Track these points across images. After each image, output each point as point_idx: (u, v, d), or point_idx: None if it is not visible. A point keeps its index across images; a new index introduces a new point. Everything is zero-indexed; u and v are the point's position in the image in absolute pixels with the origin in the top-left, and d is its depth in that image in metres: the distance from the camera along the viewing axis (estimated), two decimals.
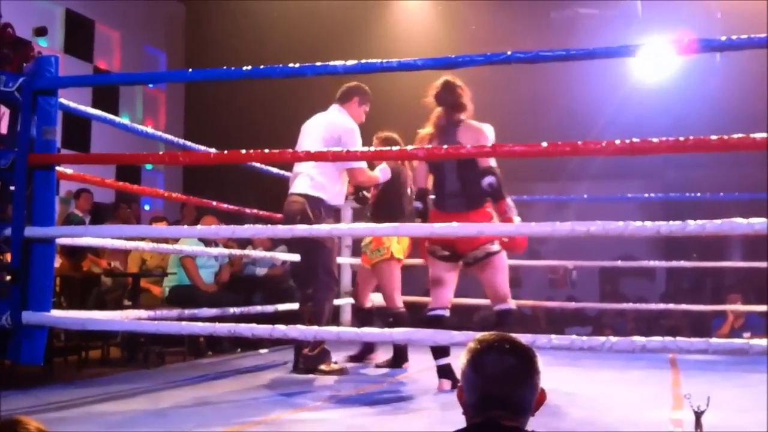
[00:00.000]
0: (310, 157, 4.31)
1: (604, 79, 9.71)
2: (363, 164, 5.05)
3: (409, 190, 5.25)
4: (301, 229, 4.11)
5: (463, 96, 4.34)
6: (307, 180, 4.98)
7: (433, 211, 4.36)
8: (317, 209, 4.94)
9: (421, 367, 5.17)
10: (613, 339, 3.19)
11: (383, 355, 5.52)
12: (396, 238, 5.22)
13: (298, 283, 5.29)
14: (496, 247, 4.27)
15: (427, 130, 4.38)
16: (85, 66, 10.00)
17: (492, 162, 4.21)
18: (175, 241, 6.29)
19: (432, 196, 4.41)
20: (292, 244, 5.25)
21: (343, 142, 4.91)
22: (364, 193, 5.44)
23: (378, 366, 5.38)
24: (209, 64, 4.70)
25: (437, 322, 4.16)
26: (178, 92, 12.01)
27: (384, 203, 5.31)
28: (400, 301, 5.37)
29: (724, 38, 3.40)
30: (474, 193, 4.24)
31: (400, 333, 3.53)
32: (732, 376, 4.97)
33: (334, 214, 5.41)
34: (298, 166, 5.06)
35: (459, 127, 4.28)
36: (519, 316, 4.80)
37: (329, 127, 5.05)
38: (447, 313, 4.34)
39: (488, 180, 4.17)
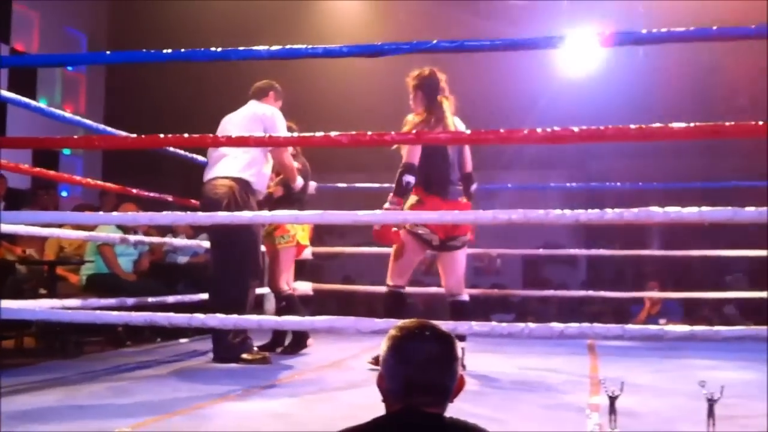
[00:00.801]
0: (231, 142, 4.23)
1: (534, 72, 9.85)
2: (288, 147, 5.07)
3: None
4: (222, 216, 4.04)
5: None
6: (232, 161, 4.90)
7: (430, 196, 4.45)
8: (245, 193, 4.87)
9: (339, 356, 5.19)
10: (532, 325, 3.22)
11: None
12: (298, 225, 5.38)
13: (219, 269, 5.08)
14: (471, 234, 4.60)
15: (421, 117, 4.46)
16: (1, 47, 9.64)
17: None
18: (93, 228, 6.13)
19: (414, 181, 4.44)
20: (215, 230, 5.05)
21: (268, 127, 4.87)
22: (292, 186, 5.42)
23: (280, 352, 5.38)
24: (133, 47, 4.57)
25: (404, 300, 4.54)
26: (98, 76, 11.69)
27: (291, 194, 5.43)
28: (285, 285, 5.44)
29: (644, 31, 3.47)
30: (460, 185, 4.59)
31: (322, 321, 3.50)
32: (649, 361, 5.11)
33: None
34: (218, 151, 4.97)
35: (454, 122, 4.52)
36: (444, 303, 4.86)
37: (253, 116, 5.01)
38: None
39: (475, 186, 4.69)
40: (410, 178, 4.36)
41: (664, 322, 6.83)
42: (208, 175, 5.01)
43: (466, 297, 4.63)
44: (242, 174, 4.90)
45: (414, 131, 4.34)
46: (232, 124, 5.04)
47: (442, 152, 4.50)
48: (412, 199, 4.50)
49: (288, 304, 5.35)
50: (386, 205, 4.34)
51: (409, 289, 4.84)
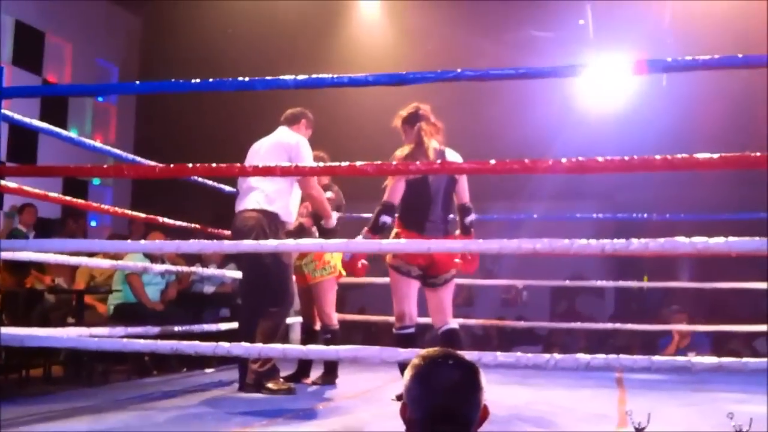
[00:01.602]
0: (258, 171, 4.25)
1: (558, 103, 9.85)
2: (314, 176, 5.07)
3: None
4: (247, 244, 4.06)
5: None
6: (260, 195, 4.93)
7: (407, 232, 4.40)
8: (273, 225, 4.89)
9: (363, 386, 5.17)
10: (557, 356, 3.19)
11: (314, 374, 5.53)
12: (338, 255, 5.31)
13: (250, 300, 5.10)
14: (455, 270, 4.50)
15: (406, 150, 4.42)
16: (34, 78, 9.83)
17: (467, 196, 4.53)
18: (121, 257, 6.18)
19: (396, 216, 4.43)
20: (246, 260, 5.08)
21: (293, 156, 4.89)
22: (323, 223, 5.40)
23: (313, 383, 5.39)
24: (163, 78, 4.64)
25: (412, 341, 4.35)
26: (129, 106, 11.86)
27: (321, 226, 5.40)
28: (335, 318, 5.46)
29: (670, 59, 3.47)
30: (447, 221, 4.52)
31: (347, 350, 3.49)
32: (678, 394, 5.03)
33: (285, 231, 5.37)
34: (248, 182, 5.01)
35: (444, 154, 4.45)
36: (470, 334, 4.83)
37: (279, 143, 5.05)
38: (415, 330, 4.52)
39: (471, 218, 4.54)
40: (386, 219, 4.33)
41: (692, 356, 6.73)
42: (238, 207, 5.05)
43: (454, 324, 4.52)
44: (269, 206, 4.92)
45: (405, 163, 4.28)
46: (258, 153, 5.06)
47: (420, 188, 4.41)
48: (393, 232, 4.47)
49: (333, 338, 5.33)
50: (359, 237, 4.33)
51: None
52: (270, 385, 4.78)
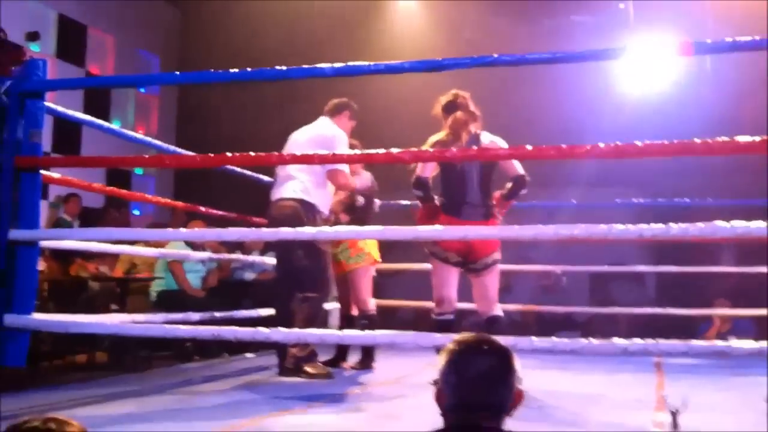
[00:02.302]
0: (295, 159, 4.29)
1: (597, 88, 9.73)
2: (345, 167, 5.07)
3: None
4: (285, 232, 4.11)
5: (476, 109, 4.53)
6: (298, 184, 4.97)
7: (445, 216, 4.41)
8: (311, 214, 4.93)
9: (400, 371, 5.21)
10: (594, 341, 3.19)
11: (352, 359, 5.60)
12: (372, 242, 5.38)
13: (286, 286, 5.13)
14: (499, 254, 4.49)
15: (441, 136, 4.44)
16: (77, 71, 10.00)
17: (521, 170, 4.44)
18: (163, 245, 6.28)
19: (437, 201, 4.48)
20: (283, 247, 5.11)
21: (330, 148, 4.91)
22: (358, 200, 5.45)
23: (351, 368, 5.45)
24: (204, 68, 4.70)
25: (450, 327, 4.37)
26: (170, 98, 11.98)
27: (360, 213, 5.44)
28: (372, 304, 5.50)
29: (710, 41, 3.43)
30: (490, 205, 4.46)
31: (383, 336, 3.53)
32: (717, 379, 4.99)
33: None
34: (285, 171, 5.04)
35: (479, 138, 4.45)
36: (509, 321, 4.82)
37: (317, 136, 5.07)
38: (454, 317, 4.52)
39: (520, 190, 4.50)
40: (418, 192, 4.42)
41: (733, 340, 6.65)
42: (275, 195, 5.09)
43: (499, 312, 4.53)
44: (306, 197, 4.96)
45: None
46: (296, 143, 5.09)
47: (457, 171, 4.42)
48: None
49: (370, 323, 5.34)
50: None
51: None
52: (308, 369, 4.84)
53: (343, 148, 5.00)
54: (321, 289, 5.02)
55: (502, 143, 4.44)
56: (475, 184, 4.44)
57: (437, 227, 3.73)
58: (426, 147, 4.36)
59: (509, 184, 4.53)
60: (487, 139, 4.48)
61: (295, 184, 4.98)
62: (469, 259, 4.43)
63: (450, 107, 4.53)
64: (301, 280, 4.98)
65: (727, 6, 9.23)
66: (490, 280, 4.50)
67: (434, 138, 4.45)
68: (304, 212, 4.90)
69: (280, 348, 5.01)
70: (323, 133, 5.09)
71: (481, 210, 4.44)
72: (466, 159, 4.31)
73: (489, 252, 4.43)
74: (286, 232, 4.12)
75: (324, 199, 5.09)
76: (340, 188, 5.25)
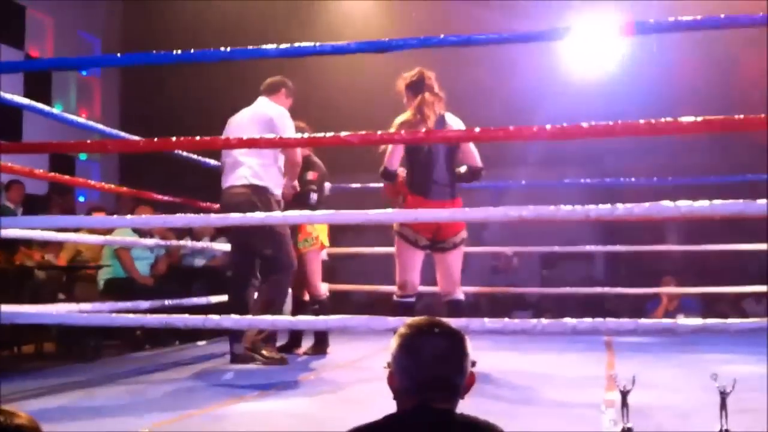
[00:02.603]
0: (242, 143, 4.23)
1: (544, 69, 9.80)
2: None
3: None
4: (234, 218, 4.06)
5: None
6: (246, 170, 4.90)
7: (413, 196, 4.44)
8: (264, 197, 4.86)
9: (354, 356, 5.20)
10: (545, 321, 3.21)
11: (305, 344, 5.57)
12: (321, 226, 5.37)
13: (240, 272, 5.11)
14: (466, 233, 4.54)
15: (407, 116, 4.44)
16: (16, 53, 9.72)
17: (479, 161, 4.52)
18: (109, 232, 6.17)
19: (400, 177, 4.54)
20: (239, 233, 5.01)
21: (276, 127, 4.86)
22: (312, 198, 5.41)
23: (304, 354, 5.43)
24: (146, 50, 4.60)
25: (411, 310, 4.42)
26: (113, 81, 11.76)
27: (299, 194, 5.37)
28: (324, 288, 5.49)
29: (652, 21, 3.45)
30: (455, 184, 4.51)
31: (335, 320, 3.51)
32: (666, 357, 5.08)
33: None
34: (232, 157, 4.96)
35: (445, 119, 4.48)
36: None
37: (259, 116, 5.00)
38: (415, 299, 4.59)
39: (474, 181, 4.63)
40: (386, 182, 4.55)
41: (681, 318, 6.78)
42: (225, 183, 5.00)
43: (460, 296, 4.58)
44: (258, 181, 4.90)
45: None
46: (238, 127, 4.98)
47: (424, 152, 4.45)
48: (400, 199, 4.54)
49: (321, 308, 5.35)
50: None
51: (422, 289, 4.80)
52: (264, 352, 4.79)
53: (288, 124, 4.96)
54: (281, 270, 4.94)
55: (462, 126, 4.48)
56: (442, 163, 4.47)
57: (387, 210, 3.71)
58: (393, 129, 4.36)
59: (463, 170, 4.57)
60: (451, 119, 4.51)
61: (244, 170, 4.91)
62: (437, 238, 4.46)
63: (416, 86, 4.53)
64: (263, 264, 4.95)
65: None
66: (456, 260, 4.54)
67: (400, 119, 4.46)
68: (257, 198, 4.82)
69: (232, 335, 4.96)
70: (265, 112, 5.01)
71: (447, 189, 4.48)
72: (414, 142, 4.30)
73: (458, 231, 4.48)
74: (234, 218, 4.08)
75: (276, 179, 5.02)
76: (289, 165, 5.13)
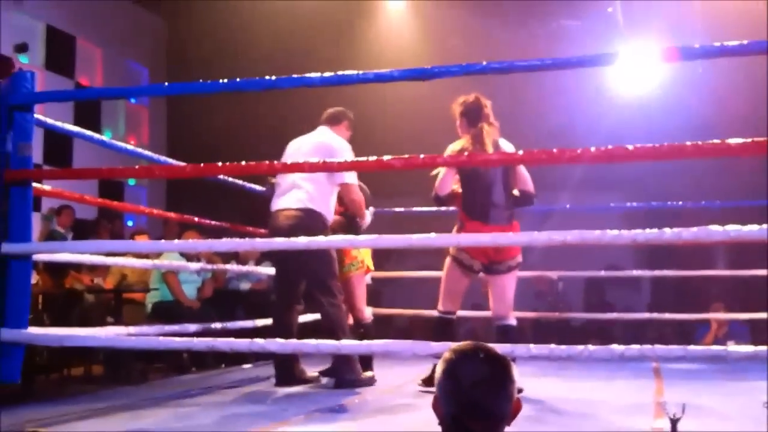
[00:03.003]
0: (287, 168, 4.27)
1: (587, 92, 9.75)
2: (356, 181, 5.05)
3: None
4: (279, 242, 4.09)
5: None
6: (303, 194, 4.89)
7: (471, 221, 4.47)
8: (319, 223, 4.85)
9: (398, 380, 5.19)
10: (591, 347, 3.18)
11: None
12: (365, 250, 5.36)
13: (287, 297, 5.11)
14: (521, 258, 4.55)
15: (463, 143, 4.48)
16: (66, 82, 9.98)
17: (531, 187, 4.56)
18: (157, 257, 6.26)
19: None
20: (294, 258, 4.87)
21: (337, 159, 4.84)
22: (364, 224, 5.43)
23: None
24: (192, 79, 4.69)
25: (451, 327, 4.53)
26: (160, 108, 11.97)
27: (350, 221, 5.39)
28: (368, 312, 5.47)
29: (698, 45, 3.44)
30: (512, 208, 4.55)
31: (379, 345, 3.51)
32: (715, 384, 4.98)
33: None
34: (288, 181, 4.95)
35: (500, 144, 4.50)
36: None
37: (322, 145, 4.98)
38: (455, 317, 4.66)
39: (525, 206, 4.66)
40: (438, 206, 4.66)
41: (731, 345, 6.65)
42: (279, 205, 4.97)
43: (512, 321, 4.56)
44: (312, 205, 4.88)
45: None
46: (299, 152, 4.97)
47: (483, 176, 4.47)
48: (457, 225, 4.56)
49: (366, 332, 5.29)
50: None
51: (466, 313, 4.81)
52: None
53: (348, 158, 4.91)
54: (336, 295, 4.95)
55: (513, 150, 4.49)
56: (500, 187, 4.50)
57: (430, 235, 3.70)
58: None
59: (516, 194, 4.59)
60: (505, 145, 4.52)
61: (300, 193, 4.89)
62: (494, 260, 4.46)
63: (473, 114, 4.55)
64: (314, 289, 4.95)
65: (717, 6, 9.26)
66: (509, 283, 4.54)
67: (456, 146, 4.49)
68: (311, 222, 4.81)
69: (277, 359, 4.98)
70: (329, 144, 4.99)
71: (505, 213, 4.51)
72: (458, 165, 4.32)
73: (514, 254, 4.49)
74: (278, 242, 4.10)
75: (329, 209, 5.01)
76: (352, 203, 5.13)
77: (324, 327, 4.89)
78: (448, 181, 4.49)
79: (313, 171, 4.66)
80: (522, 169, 4.54)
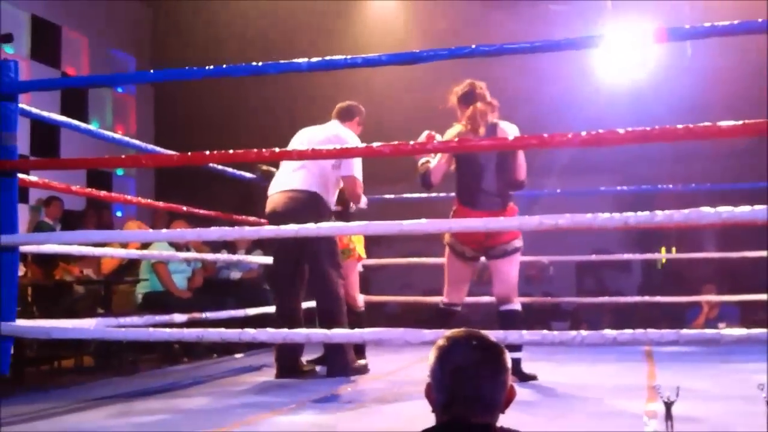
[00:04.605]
0: (274, 156, 4.22)
1: (576, 76, 9.73)
2: (360, 176, 4.99)
3: None
4: (267, 230, 4.07)
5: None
6: (310, 177, 4.82)
7: (461, 207, 4.45)
8: (324, 209, 4.81)
9: (390, 367, 5.19)
10: (584, 332, 3.17)
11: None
12: (357, 238, 5.35)
13: (293, 283, 5.03)
14: (520, 242, 4.48)
15: (458, 128, 4.44)
16: (52, 72, 9.88)
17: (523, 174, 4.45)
18: (146, 246, 6.23)
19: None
20: (297, 244, 4.80)
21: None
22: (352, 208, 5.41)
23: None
24: (178, 66, 4.65)
25: (452, 317, 4.48)
26: (147, 97, 11.89)
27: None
28: (360, 300, 5.46)
29: (688, 26, 3.42)
30: (506, 194, 4.47)
31: (370, 333, 3.50)
32: (707, 366, 4.99)
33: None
34: (294, 165, 4.87)
35: (497, 127, 4.44)
36: (496, 313, 4.77)
37: (335, 138, 4.91)
38: (459, 309, 4.62)
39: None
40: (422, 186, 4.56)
41: (723, 326, 6.67)
42: (284, 185, 4.89)
43: (516, 306, 4.50)
44: (317, 189, 4.83)
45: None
46: (311, 143, 4.87)
47: (473, 162, 4.43)
48: (452, 210, 4.55)
49: (357, 320, 5.25)
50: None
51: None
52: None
53: (358, 159, 4.92)
54: (337, 281, 4.92)
55: (517, 132, 4.43)
56: (492, 172, 4.43)
57: (421, 221, 3.68)
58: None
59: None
60: (505, 127, 4.46)
61: (305, 175, 4.82)
62: (486, 247, 4.43)
63: (467, 98, 4.51)
64: (314, 276, 4.91)
65: None
66: (508, 267, 4.48)
67: (452, 131, 4.45)
68: (316, 204, 4.77)
69: (280, 350, 4.89)
70: (342, 138, 4.93)
71: (497, 199, 4.44)
72: (445, 151, 4.30)
73: (508, 239, 4.41)
74: (268, 230, 4.08)
75: (331, 197, 4.98)
76: (353, 197, 5.10)
77: (321, 312, 4.87)
78: (441, 168, 4.46)
79: (300, 159, 4.62)
80: (519, 156, 4.42)
